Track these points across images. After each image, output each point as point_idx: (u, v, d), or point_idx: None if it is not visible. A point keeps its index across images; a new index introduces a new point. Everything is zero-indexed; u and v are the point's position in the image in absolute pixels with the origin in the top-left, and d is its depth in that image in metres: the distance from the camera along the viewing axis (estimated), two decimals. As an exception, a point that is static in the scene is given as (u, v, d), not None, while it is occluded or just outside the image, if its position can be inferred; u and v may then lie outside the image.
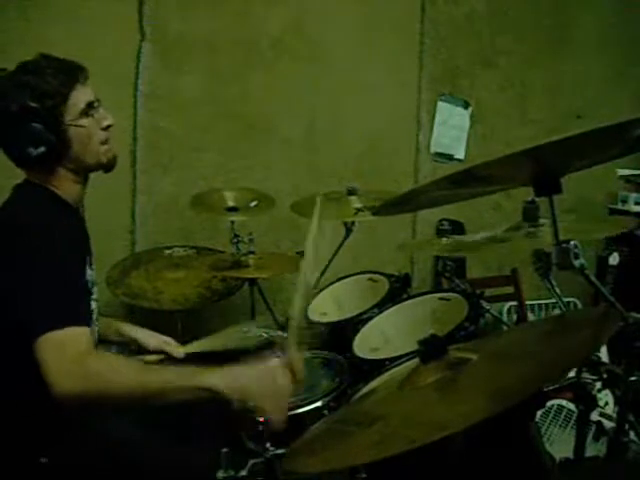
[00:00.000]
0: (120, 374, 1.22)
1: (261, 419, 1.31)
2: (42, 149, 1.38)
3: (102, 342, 1.67)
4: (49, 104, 1.37)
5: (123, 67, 2.77)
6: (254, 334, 2.21)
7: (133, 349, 1.72)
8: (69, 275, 1.32)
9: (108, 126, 1.48)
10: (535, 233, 1.43)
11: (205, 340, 1.79)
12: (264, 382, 1.25)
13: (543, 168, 0.97)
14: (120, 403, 1.25)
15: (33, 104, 1.36)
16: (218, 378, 1.23)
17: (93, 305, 1.50)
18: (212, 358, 1.71)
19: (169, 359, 1.71)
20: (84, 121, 1.42)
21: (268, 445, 1.41)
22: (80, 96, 1.42)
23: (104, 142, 1.48)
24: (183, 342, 1.78)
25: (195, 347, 1.76)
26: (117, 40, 2.75)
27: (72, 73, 1.42)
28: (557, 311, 3.09)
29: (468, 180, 0.99)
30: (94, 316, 1.51)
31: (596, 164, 1.08)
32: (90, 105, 1.44)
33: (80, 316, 1.27)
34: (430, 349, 1.01)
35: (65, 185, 1.45)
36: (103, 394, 1.20)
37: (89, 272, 1.48)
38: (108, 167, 1.51)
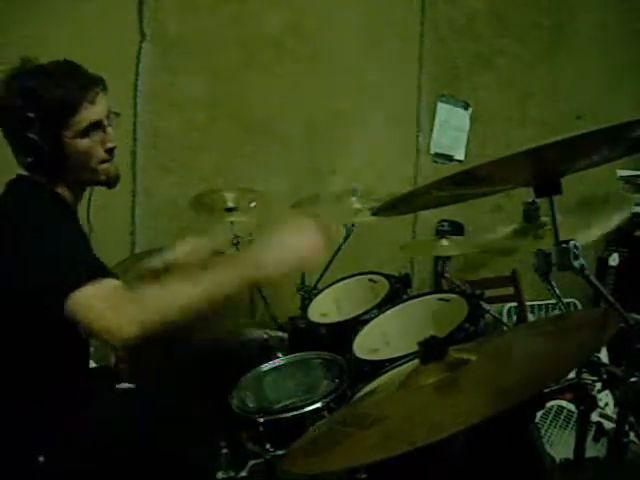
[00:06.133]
0: (175, 294, 1.20)
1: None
2: (30, 159, 1.37)
3: None
4: (47, 116, 1.34)
5: (123, 68, 2.77)
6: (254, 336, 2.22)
7: None
8: (79, 246, 1.31)
9: (111, 149, 1.44)
10: (541, 234, 1.43)
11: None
12: (303, 245, 1.25)
13: (543, 169, 0.97)
14: (182, 324, 1.20)
15: (31, 113, 1.33)
16: (266, 268, 1.21)
17: None
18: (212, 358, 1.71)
19: None
20: (83, 141, 1.39)
21: (268, 446, 1.41)
22: (85, 115, 1.38)
23: (104, 162, 1.44)
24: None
25: None
26: (117, 41, 2.75)
27: (83, 89, 1.37)
28: (557, 312, 3.10)
29: (468, 181, 0.99)
30: None
31: (597, 165, 1.08)
32: (95, 125, 1.40)
33: (101, 274, 1.24)
34: (430, 350, 1.01)
35: (63, 188, 1.45)
36: (164, 321, 1.16)
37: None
38: (107, 185, 1.50)
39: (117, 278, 1.39)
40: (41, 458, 1.33)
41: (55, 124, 1.36)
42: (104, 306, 1.16)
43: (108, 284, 1.22)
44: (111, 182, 1.49)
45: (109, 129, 1.43)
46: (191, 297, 1.20)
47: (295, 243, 1.25)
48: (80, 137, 1.39)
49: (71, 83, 1.37)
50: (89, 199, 1.58)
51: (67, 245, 1.29)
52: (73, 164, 1.41)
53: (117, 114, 1.47)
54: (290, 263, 1.24)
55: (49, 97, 1.34)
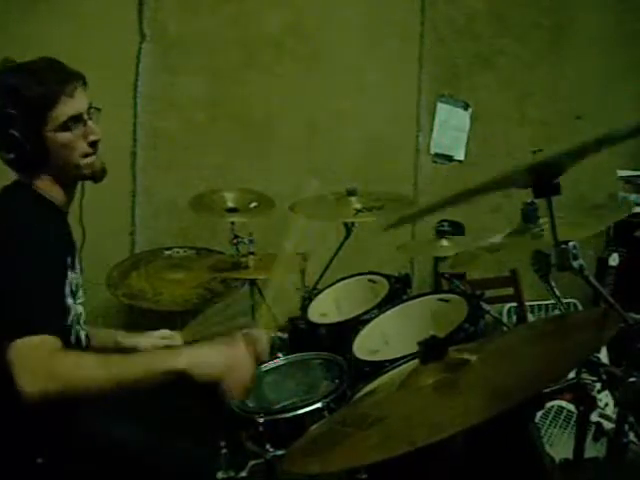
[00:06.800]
0: (84, 370, 1.20)
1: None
2: (12, 155, 1.37)
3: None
4: (28, 112, 1.34)
5: (123, 68, 2.77)
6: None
7: None
8: (46, 281, 1.29)
9: (94, 142, 1.44)
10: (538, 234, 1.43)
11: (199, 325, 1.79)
12: (229, 360, 1.28)
13: (542, 172, 0.97)
14: (89, 397, 1.22)
15: (12, 110, 1.34)
16: (186, 360, 1.24)
17: (80, 309, 1.49)
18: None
19: None
20: (64, 135, 1.38)
21: (268, 446, 1.41)
22: (63, 109, 1.37)
23: (87, 155, 1.43)
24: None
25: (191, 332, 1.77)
26: (117, 41, 2.75)
27: (61, 84, 1.37)
28: (557, 312, 3.09)
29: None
30: (81, 319, 1.50)
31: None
32: (75, 118, 1.39)
33: (51, 324, 1.24)
34: (430, 350, 1.02)
35: (51, 188, 1.44)
36: (68, 391, 1.17)
37: (73, 275, 1.45)
38: (93, 179, 1.49)
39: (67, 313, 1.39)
40: (40, 459, 1.33)
41: (35, 119, 1.36)
42: (26, 360, 1.17)
43: (46, 342, 1.20)
44: (97, 176, 1.48)
45: (90, 122, 1.43)
46: (108, 377, 1.20)
47: (230, 355, 1.29)
48: (61, 131, 1.38)
49: (50, 78, 1.37)
50: (81, 200, 1.56)
51: (34, 275, 1.27)
52: (56, 159, 1.40)
53: (98, 109, 1.46)
54: (218, 369, 1.26)
55: (30, 94, 1.34)
